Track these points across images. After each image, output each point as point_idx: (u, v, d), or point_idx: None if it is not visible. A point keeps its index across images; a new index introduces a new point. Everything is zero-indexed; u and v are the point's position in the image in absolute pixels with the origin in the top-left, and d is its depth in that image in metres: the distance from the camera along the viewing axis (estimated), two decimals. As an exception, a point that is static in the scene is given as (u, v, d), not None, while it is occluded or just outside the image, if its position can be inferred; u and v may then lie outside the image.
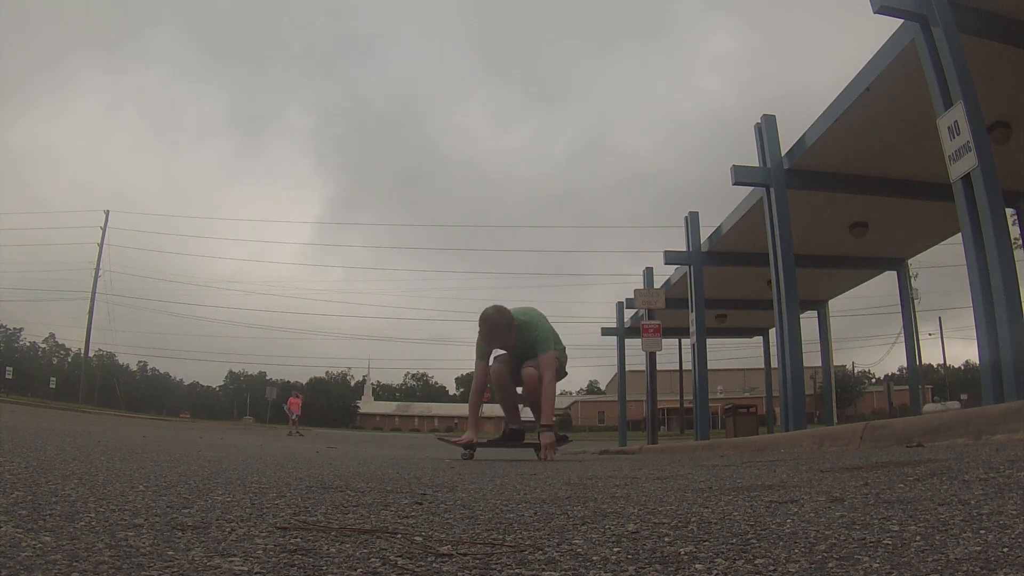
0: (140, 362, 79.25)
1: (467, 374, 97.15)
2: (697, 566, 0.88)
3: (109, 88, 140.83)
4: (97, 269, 39.10)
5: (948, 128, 5.02)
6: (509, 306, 4.87)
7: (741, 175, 8.42)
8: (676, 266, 13.02)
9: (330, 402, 72.21)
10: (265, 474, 2.26)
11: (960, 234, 5.12)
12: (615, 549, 1.00)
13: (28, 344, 69.57)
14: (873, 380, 65.39)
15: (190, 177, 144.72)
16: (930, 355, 54.97)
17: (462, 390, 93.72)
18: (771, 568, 0.86)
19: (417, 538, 1.09)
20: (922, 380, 19.14)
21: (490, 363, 4.97)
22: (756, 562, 0.89)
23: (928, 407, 19.03)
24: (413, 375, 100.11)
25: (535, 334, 4.82)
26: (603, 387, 78.35)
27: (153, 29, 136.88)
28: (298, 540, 1.03)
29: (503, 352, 4.93)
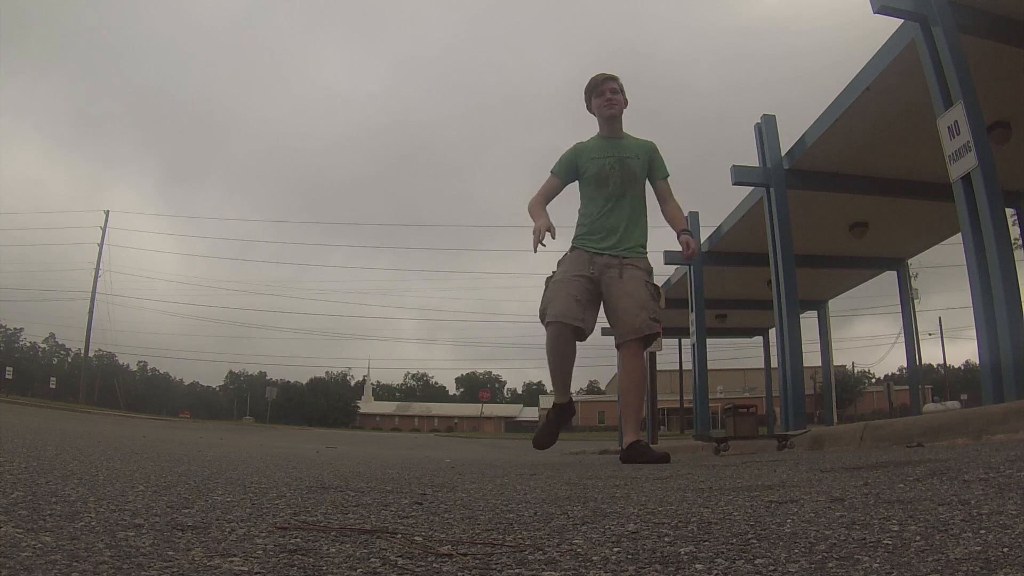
0: (140, 362, 79.28)
1: (466, 374, 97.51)
2: (697, 566, 0.88)
3: (109, 86, 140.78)
4: (97, 269, 39.09)
5: (948, 128, 5.02)
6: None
7: (741, 175, 8.43)
8: (676, 266, 13.03)
9: (330, 402, 72.18)
10: (265, 474, 2.25)
11: (960, 234, 5.12)
12: (615, 549, 1.00)
13: (28, 344, 69.59)
14: (873, 380, 65.38)
15: (190, 176, 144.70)
16: (930, 355, 55.00)
17: (462, 390, 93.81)
18: (771, 568, 0.86)
19: (417, 538, 1.09)
20: (922, 380, 19.13)
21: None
22: (756, 562, 0.89)
23: (928, 407, 19.01)
24: (413, 375, 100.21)
25: (655, 153, 3.76)
26: (603, 387, 78.30)
27: (146, 28, 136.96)
28: (298, 540, 1.03)
29: (573, 277, 3.54)
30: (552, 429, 3.72)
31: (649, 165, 3.75)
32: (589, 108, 3.84)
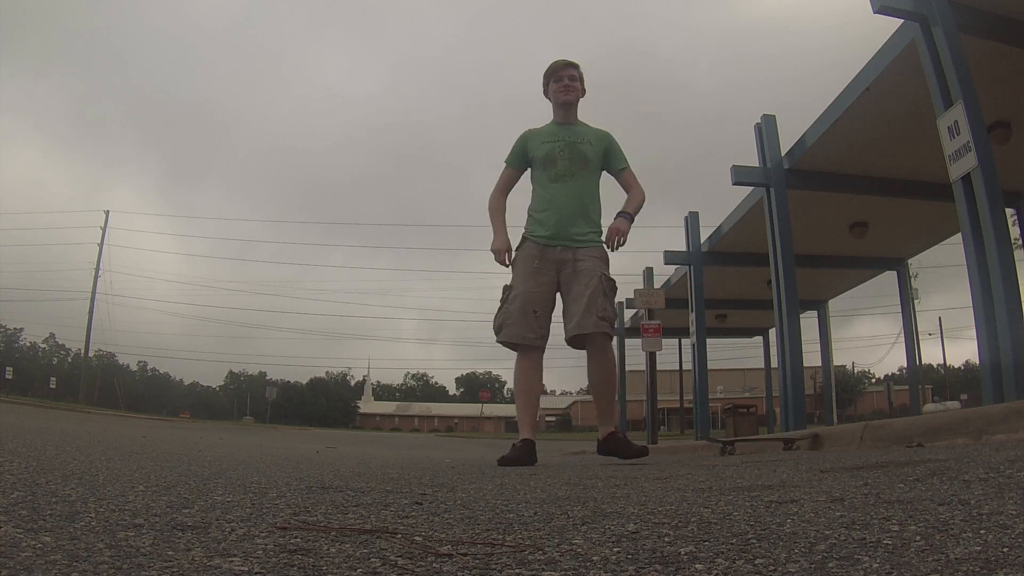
0: (140, 362, 79.28)
1: (466, 374, 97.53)
2: (697, 566, 0.88)
3: (109, 86, 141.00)
4: (97, 269, 39.08)
5: (948, 128, 5.02)
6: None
7: (741, 175, 8.44)
8: (676, 266, 13.03)
9: (330, 402, 72.17)
10: (265, 474, 2.25)
11: (960, 234, 5.13)
12: (615, 549, 1.00)
13: (28, 344, 69.59)
14: (873, 380, 65.39)
15: (191, 176, 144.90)
16: (930, 355, 55.05)
17: (462, 390, 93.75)
18: (771, 568, 0.86)
19: (417, 538, 1.09)
20: (922, 380, 19.15)
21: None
22: (756, 562, 0.89)
23: (928, 407, 19.02)
24: (413, 375, 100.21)
25: (611, 142, 3.69)
26: (603, 387, 78.02)
27: (146, 28, 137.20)
28: (298, 540, 1.03)
29: (534, 285, 3.47)
30: (524, 454, 3.33)
31: (607, 156, 3.67)
32: (546, 93, 3.78)
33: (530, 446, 3.37)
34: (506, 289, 3.58)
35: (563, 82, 3.68)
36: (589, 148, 3.61)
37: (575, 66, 3.74)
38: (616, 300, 3.60)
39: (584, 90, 3.77)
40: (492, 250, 3.63)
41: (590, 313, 3.38)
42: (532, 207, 3.66)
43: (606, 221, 3.64)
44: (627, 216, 3.58)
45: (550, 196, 3.55)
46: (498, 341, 3.52)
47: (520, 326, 3.44)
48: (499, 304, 3.56)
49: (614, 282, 3.53)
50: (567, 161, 3.58)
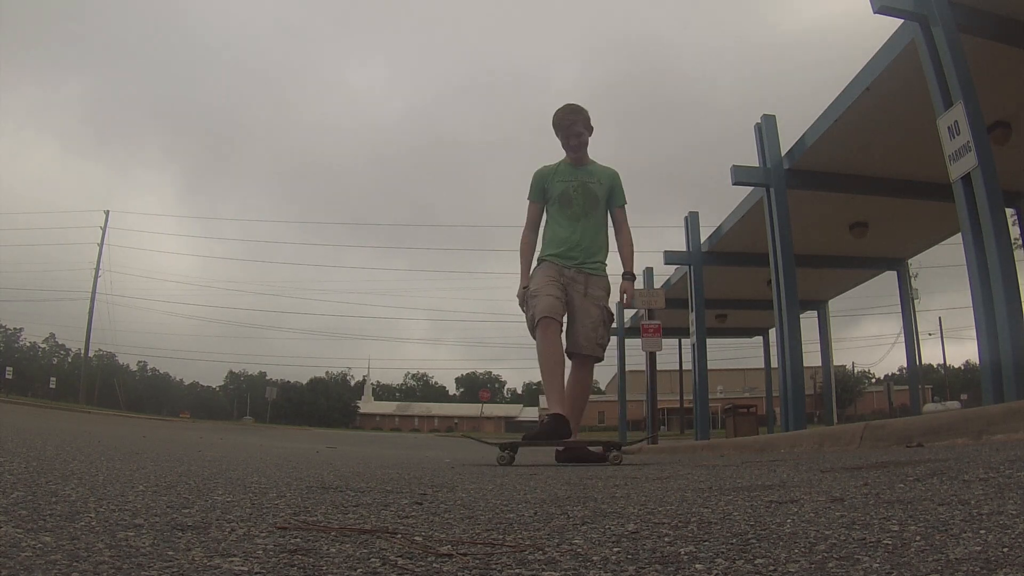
0: (140, 362, 79.26)
1: (467, 374, 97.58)
2: (697, 566, 0.88)
3: (112, 86, 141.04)
4: (97, 269, 39.05)
5: (948, 128, 5.02)
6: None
7: (741, 175, 8.43)
8: (676, 266, 13.03)
9: (330, 402, 72.19)
10: (265, 474, 2.25)
11: (960, 234, 5.12)
12: (615, 549, 1.00)
13: (28, 344, 69.57)
14: (873, 380, 65.42)
15: (192, 176, 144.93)
16: (930, 355, 55.06)
17: (462, 390, 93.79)
18: (771, 568, 0.86)
19: (417, 538, 1.09)
20: (922, 380, 19.14)
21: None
22: (756, 562, 0.89)
23: (928, 407, 19.03)
24: (413, 375, 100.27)
25: (616, 181, 4.07)
26: (603, 387, 78.30)
27: (143, 30, 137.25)
28: (298, 540, 1.03)
29: (551, 288, 3.82)
30: (540, 434, 3.66)
31: (609, 192, 4.03)
32: (556, 135, 4.07)
33: (561, 421, 3.54)
34: (528, 294, 3.90)
35: (570, 141, 4.00)
36: (599, 187, 3.99)
37: (579, 112, 4.01)
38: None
39: (591, 129, 4.07)
40: (520, 295, 3.96)
41: (591, 338, 3.82)
42: (550, 238, 4.01)
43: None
44: (630, 276, 4.04)
45: (566, 234, 3.93)
46: (536, 322, 3.73)
47: (550, 305, 3.74)
48: (527, 311, 3.87)
49: (612, 314, 4.00)
50: (581, 202, 3.95)
